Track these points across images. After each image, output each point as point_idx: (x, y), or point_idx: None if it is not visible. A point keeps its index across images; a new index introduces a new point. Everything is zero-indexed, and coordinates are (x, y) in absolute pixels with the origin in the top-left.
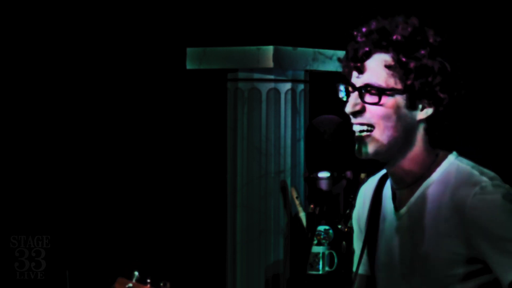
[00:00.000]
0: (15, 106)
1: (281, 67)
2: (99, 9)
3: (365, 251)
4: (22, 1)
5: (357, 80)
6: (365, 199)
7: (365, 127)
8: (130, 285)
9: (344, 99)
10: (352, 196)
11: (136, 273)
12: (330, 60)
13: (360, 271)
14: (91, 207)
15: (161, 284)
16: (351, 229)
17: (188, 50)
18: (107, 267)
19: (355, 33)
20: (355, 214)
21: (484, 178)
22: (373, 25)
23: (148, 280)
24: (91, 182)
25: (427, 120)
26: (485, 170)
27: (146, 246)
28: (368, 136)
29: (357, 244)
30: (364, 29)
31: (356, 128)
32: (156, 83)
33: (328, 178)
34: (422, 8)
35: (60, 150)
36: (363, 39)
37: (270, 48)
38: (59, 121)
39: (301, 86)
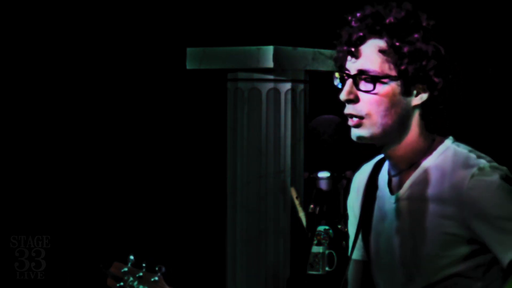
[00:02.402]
0: (15, 106)
1: (281, 67)
2: (100, 9)
3: (360, 236)
4: (22, 1)
5: (352, 65)
6: (359, 185)
7: (357, 119)
8: (126, 269)
9: (340, 86)
10: None
11: (132, 257)
12: (330, 60)
13: (354, 256)
14: (91, 207)
15: (156, 268)
16: None
17: (188, 50)
18: (107, 267)
19: (349, 18)
20: (349, 200)
21: (482, 161)
22: (367, 10)
23: (144, 265)
24: (91, 182)
25: (422, 105)
26: (482, 154)
27: (146, 246)
28: (362, 123)
29: (352, 230)
30: (358, 14)
31: (350, 117)
32: (156, 83)
33: (328, 178)
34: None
35: (60, 150)
36: (358, 24)
37: (270, 48)
38: (59, 121)
39: (301, 86)
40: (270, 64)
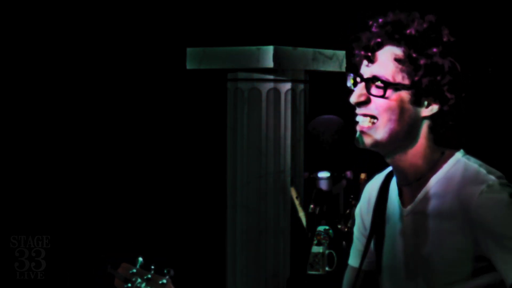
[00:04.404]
0: (15, 106)
1: (281, 67)
2: (100, 9)
3: (371, 247)
4: (22, 1)
5: (366, 69)
6: (370, 196)
7: (368, 118)
8: (134, 270)
9: (352, 88)
10: (352, 196)
11: (140, 259)
12: (330, 60)
13: (356, 264)
14: (91, 207)
15: (165, 271)
16: (351, 229)
17: (188, 50)
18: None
19: (370, 22)
20: (358, 209)
21: (491, 177)
22: (390, 17)
23: (152, 267)
24: (91, 182)
25: (431, 117)
26: (493, 170)
27: (146, 246)
28: (370, 127)
29: (359, 237)
30: (380, 20)
31: (359, 118)
32: (156, 83)
33: (328, 178)
34: (428, 9)
35: (60, 150)
36: (378, 29)
37: (270, 48)
38: (59, 121)
39: (301, 86)
40: (270, 64)
